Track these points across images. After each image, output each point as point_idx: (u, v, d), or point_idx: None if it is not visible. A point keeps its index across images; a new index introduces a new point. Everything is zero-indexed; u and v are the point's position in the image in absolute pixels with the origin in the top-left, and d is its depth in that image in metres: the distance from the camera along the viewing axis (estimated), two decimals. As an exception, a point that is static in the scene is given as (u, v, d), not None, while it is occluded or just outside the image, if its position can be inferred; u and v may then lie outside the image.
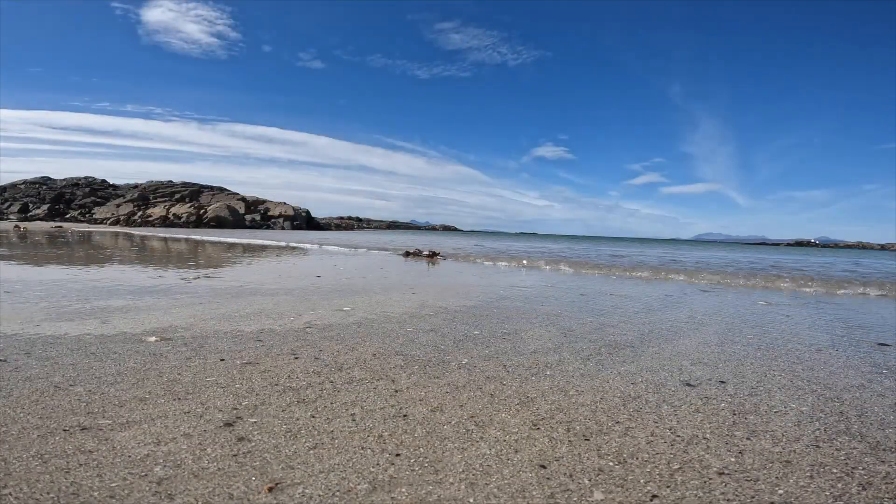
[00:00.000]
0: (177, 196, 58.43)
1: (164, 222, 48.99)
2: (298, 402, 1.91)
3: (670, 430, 1.77)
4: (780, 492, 1.35)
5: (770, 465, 1.52)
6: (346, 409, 1.85)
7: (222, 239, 19.94)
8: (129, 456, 1.41)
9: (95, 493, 1.22)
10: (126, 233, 26.31)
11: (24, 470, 1.32)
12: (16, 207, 57.50)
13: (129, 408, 1.78)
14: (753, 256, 18.44)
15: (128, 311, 3.64)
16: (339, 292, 5.15)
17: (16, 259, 7.96)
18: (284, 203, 57.78)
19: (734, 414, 1.95)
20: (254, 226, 50.79)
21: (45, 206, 57.82)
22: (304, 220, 56.48)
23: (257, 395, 1.97)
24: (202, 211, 50.76)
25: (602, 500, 1.29)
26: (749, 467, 1.49)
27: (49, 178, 68.67)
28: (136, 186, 65.69)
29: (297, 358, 2.54)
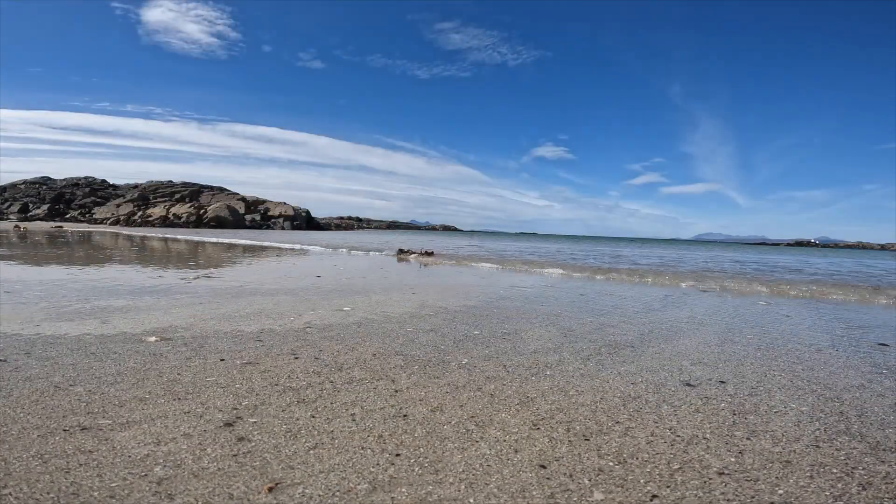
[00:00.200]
0: (177, 196, 58.45)
1: (164, 222, 49.00)
2: (298, 402, 1.91)
3: (670, 430, 1.77)
4: (780, 492, 1.35)
5: (770, 465, 1.52)
6: (346, 409, 1.85)
7: (207, 239, 19.94)
8: (129, 456, 1.41)
9: (95, 493, 1.22)
10: (115, 232, 26.32)
11: (24, 470, 1.32)
12: (16, 207, 57.52)
13: (129, 408, 1.78)
14: (757, 258, 18.22)
15: (128, 311, 3.64)
16: (339, 292, 5.15)
17: (16, 259, 7.96)
18: (284, 203, 57.81)
19: (734, 414, 1.95)
20: (254, 226, 50.80)
21: (45, 206, 57.83)
22: (304, 220, 56.49)
23: (257, 395, 1.97)
24: (202, 211, 50.77)
25: (602, 500, 1.29)
26: (749, 467, 1.49)
27: (49, 178, 68.70)
28: (136, 186, 65.72)
29: (297, 358, 2.54)
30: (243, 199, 57.83)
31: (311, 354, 2.62)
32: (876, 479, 1.45)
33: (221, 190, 63.86)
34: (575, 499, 1.29)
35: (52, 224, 42.56)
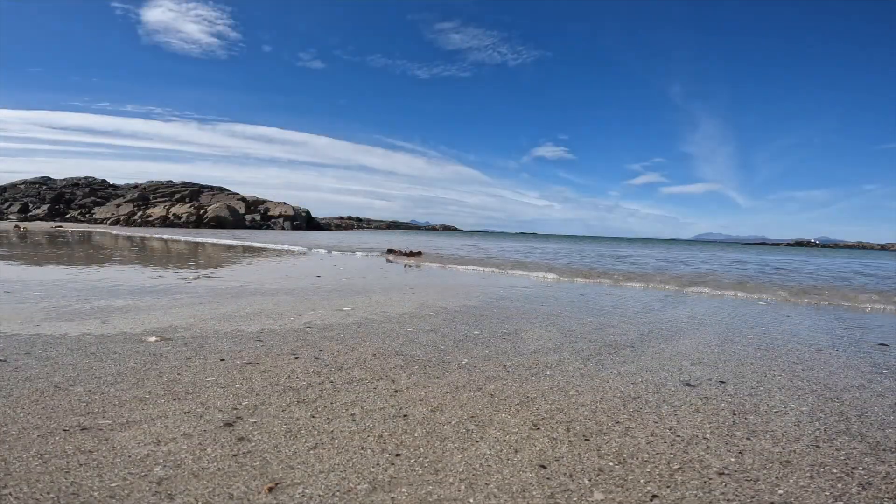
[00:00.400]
0: (177, 196, 58.45)
1: (164, 222, 49.00)
2: (298, 402, 1.91)
3: (670, 430, 1.77)
4: (780, 492, 1.35)
5: (770, 465, 1.52)
6: (346, 409, 1.85)
7: (195, 239, 19.94)
8: (129, 456, 1.41)
9: (95, 493, 1.22)
10: (104, 231, 26.31)
11: (24, 470, 1.32)
12: (16, 207, 57.52)
13: (129, 408, 1.78)
14: (759, 258, 17.98)
15: (128, 311, 3.64)
16: (339, 292, 5.15)
17: (16, 259, 7.96)
18: (284, 203, 57.80)
19: (734, 414, 1.95)
20: (254, 226, 50.80)
21: (45, 206, 57.84)
22: (304, 220, 56.49)
23: (257, 395, 1.96)
24: (202, 211, 50.78)
25: (602, 500, 1.29)
26: (749, 467, 1.49)
27: (49, 178, 68.69)
28: (136, 186, 65.71)
29: (297, 358, 2.54)
30: (243, 199, 57.83)
31: (311, 354, 2.62)
32: (876, 479, 1.45)
33: (221, 190, 63.86)
34: (575, 499, 1.29)
35: (52, 224, 42.57)
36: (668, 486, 1.36)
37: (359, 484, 1.32)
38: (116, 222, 49.59)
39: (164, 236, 21.63)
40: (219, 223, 48.31)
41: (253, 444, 1.52)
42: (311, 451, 1.49)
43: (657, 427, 1.79)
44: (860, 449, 1.66)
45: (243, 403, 1.86)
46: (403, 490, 1.30)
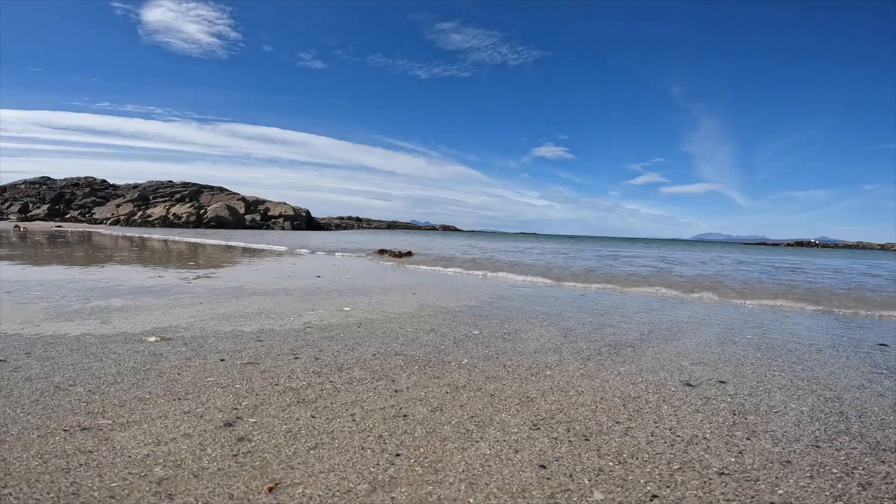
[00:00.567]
0: (177, 196, 58.45)
1: (164, 222, 48.99)
2: (298, 402, 1.91)
3: (670, 430, 1.77)
4: (780, 492, 1.35)
5: (770, 465, 1.52)
6: (346, 410, 1.85)
7: (185, 239, 19.93)
8: (129, 456, 1.41)
9: (95, 493, 1.22)
10: (96, 231, 26.30)
11: (24, 470, 1.32)
12: (16, 207, 57.51)
13: (129, 408, 1.78)
14: (763, 259, 17.67)
15: (128, 311, 3.64)
16: (339, 292, 5.16)
17: (16, 259, 7.96)
18: (284, 203, 57.79)
19: (734, 414, 1.95)
20: (254, 226, 50.79)
21: (45, 206, 57.84)
22: (304, 220, 56.48)
23: (257, 395, 1.96)
24: (202, 211, 50.77)
25: (602, 500, 1.29)
26: (749, 467, 1.49)
27: (49, 178, 68.68)
28: (136, 186, 65.70)
29: (297, 358, 2.54)
30: (243, 199, 57.81)
31: (311, 354, 2.62)
32: (876, 479, 1.45)
33: (221, 190, 63.84)
34: (575, 499, 1.29)
35: (53, 224, 42.56)
36: (668, 486, 1.36)
37: (359, 484, 1.32)
38: (116, 222, 49.58)
39: (153, 236, 21.63)
40: (219, 223, 48.30)
41: (253, 444, 1.52)
42: (311, 451, 1.49)
43: (657, 427, 1.79)
44: (860, 449, 1.66)
45: (243, 403, 1.86)
46: (403, 490, 1.30)
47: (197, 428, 1.62)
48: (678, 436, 1.71)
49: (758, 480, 1.41)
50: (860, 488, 1.39)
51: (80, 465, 1.35)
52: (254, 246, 15.21)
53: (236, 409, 1.81)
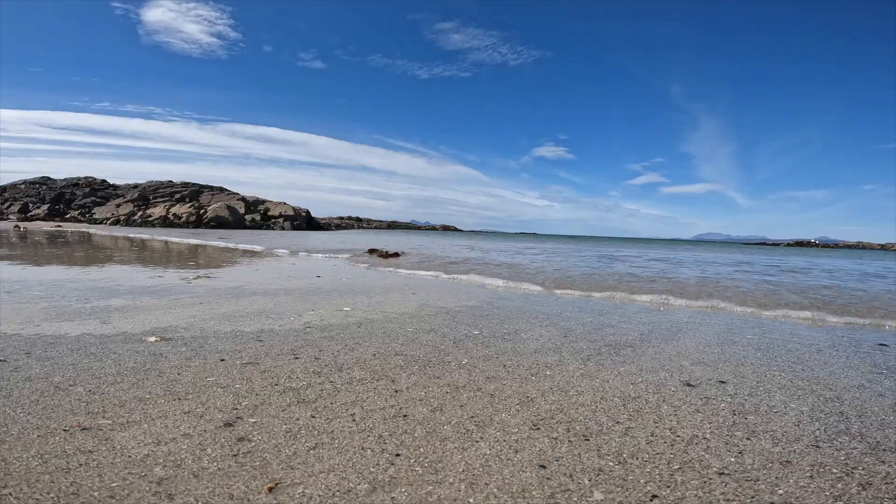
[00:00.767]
0: (177, 196, 58.44)
1: (164, 222, 48.99)
2: (298, 402, 1.91)
3: (670, 430, 1.77)
4: (780, 492, 1.35)
5: (770, 465, 1.52)
6: (346, 409, 1.85)
7: (177, 239, 19.93)
8: (129, 456, 1.41)
9: (95, 493, 1.22)
10: (87, 232, 26.29)
11: (24, 470, 1.32)
12: (16, 207, 57.51)
13: (129, 408, 1.78)
14: (770, 260, 17.05)
15: (128, 311, 3.64)
16: (339, 292, 5.16)
17: (16, 259, 7.96)
18: (284, 203, 57.78)
19: (734, 414, 1.95)
20: (254, 226, 50.80)
21: (45, 206, 57.84)
22: (304, 221, 56.48)
23: (257, 395, 1.96)
24: (202, 211, 50.78)
25: (602, 500, 1.29)
26: (749, 467, 1.49)
27: (49, 178, 68.66)
28: (136, 186, 65.69)
29: (297, 358, 2.54)
30: (243, 199, 57.81)
31: (311, 354, 2.62)
32: (876, 479, 1.45)
33: (221, 190, 63.83)
34: (575, 499, 1.29)
35: (53, 224, 42.56)
36: (668, 486, 1.36)
37: (359, 484, 1.32)
38: (116, 222, 49.59)
39: (141, 236, 21.62)
40: (219, 223, 48.30)
41: (253, 444, 1.52)
42: (311, 451, 1.49)
43: (657, 427, 1.79)
44: (860, 449, 1.66)
45: (243, 403, 1.86)
46: (403, 490, 1.30)
47: (197, 428, 1.62)
48: (678, 436, 1.71)
49: (758, 480, 1.41)
50: (860, 488, 1.39)
51: (80, 465, 1.35)
52: (231, 246, 14.98)
53: (236, 409, 1.81)
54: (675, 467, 1.48)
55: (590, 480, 1.38)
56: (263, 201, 58.34)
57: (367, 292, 5.24)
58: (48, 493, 1.21)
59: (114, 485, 1.26)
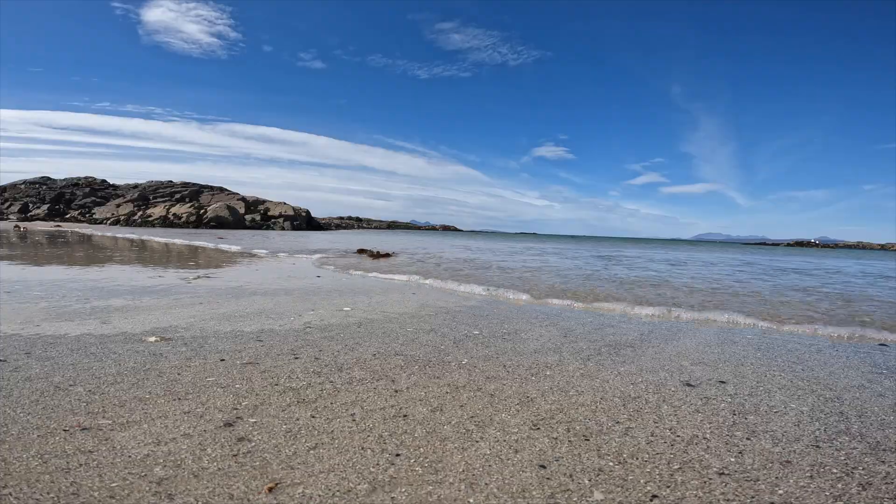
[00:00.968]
0: (177, 196, 58.44)
1: (164, 222, 48.98)
2: (298, 402, 1.91)
3: (670, 430, 1.77)
4: (780, 492, 1.35)
5: (770, 465, 1.52)
6: (346, 410, 1.85)
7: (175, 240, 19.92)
8: (129, 456, 1.41)
9: (95, 493, 1.22)
10: (84, 233, 26.27)
11: (24, 470, 1.32)
12: (16, 207, 57.50)
13: (129, 408, 1.78)
14: (769, 261, 16.91)
15: (128, 311, 3.64)
16: (339, 292, 5.16)
17: (16, 259, 7.95)
18: (284, 203, 57.77)
19: (734, 414, 1.95)
20: (254, 226, 50.79)
21: (45, 206, 57.84)
22: (304, 221, 56.47)
23: (257, 395, 1.96)
24: (202, 211, 50.78)
25: (602, 500, 1.29)
26: (749, 467, 1.49)
27: (49, 178, 68.65)
28: (136, 186, 65.69)
29: (297, 358, 2.54)
30: (243, 199, 57.80)
31: (311, 354, 2.62)
32: (876, 479, 1.45)
33: (221, 190, 63.82)
34: (575, 499, 1.29)
35: (53, 224, 42.56)
36: (668, 486, 1.36)
37: (359, 484, 1.32)
38: (116, 222, 49.58)
39: (131, 236, 21.61)
40: (219, 223, 48.30)
41: (253, 444, 1.52)
42: (311, 451, 1.49)
43: (657, 427, 1.79)
44: (860, 449, 1.66)
45: (243, 403, 1.86)
46: (403, 490, 1.30)
47: (197, 428, 1.62)
48: (678, 436, 1.71)
49: (758, 480, 1.41)
50: (860, 488, 1.39)
51: (80, 465, 1.35)
52: (210, 245, 14.81)
53: (236, 409, 1.81)
54: (675, 467, 1.48)
55: (590, 480, 1.38)
56: (263, 201, 58.33)
57: (368, 292, 5.24)
58: (48, 493, 1.21)
59: (114, 485, 1.26)
